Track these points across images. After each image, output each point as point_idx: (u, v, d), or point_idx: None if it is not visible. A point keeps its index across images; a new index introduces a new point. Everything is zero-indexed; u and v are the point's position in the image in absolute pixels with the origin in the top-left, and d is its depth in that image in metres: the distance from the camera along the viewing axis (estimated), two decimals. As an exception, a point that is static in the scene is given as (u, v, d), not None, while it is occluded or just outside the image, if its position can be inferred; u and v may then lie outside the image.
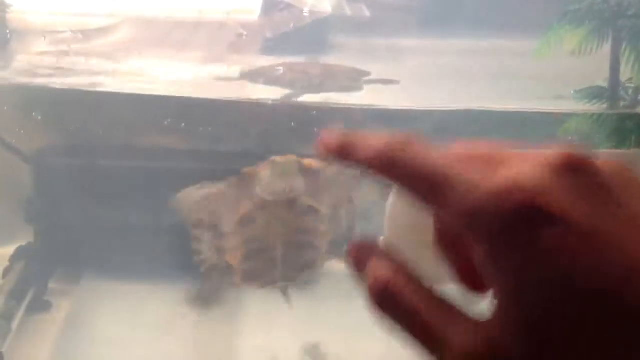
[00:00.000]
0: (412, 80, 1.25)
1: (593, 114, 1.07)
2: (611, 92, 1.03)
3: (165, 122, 1.26)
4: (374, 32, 1.40)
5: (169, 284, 1.35)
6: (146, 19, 1.13)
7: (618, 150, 0.99)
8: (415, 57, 1.33)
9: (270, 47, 1.28)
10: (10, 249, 1.35)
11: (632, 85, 1.03)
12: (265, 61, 1.24)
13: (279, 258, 1.14)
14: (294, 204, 1.09)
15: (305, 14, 1.36)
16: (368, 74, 1.27)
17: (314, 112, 1.30)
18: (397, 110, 1.20)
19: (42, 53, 1.13)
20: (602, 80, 1.05)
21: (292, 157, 1.07)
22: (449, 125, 1.14)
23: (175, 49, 1.21)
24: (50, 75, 1.10)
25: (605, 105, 1.03)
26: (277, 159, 1.07)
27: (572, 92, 1.06)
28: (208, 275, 1.17)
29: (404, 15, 1.40)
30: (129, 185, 1.30)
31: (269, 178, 1.07)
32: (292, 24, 1.35)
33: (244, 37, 1.19)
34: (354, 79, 1.27)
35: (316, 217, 1.11)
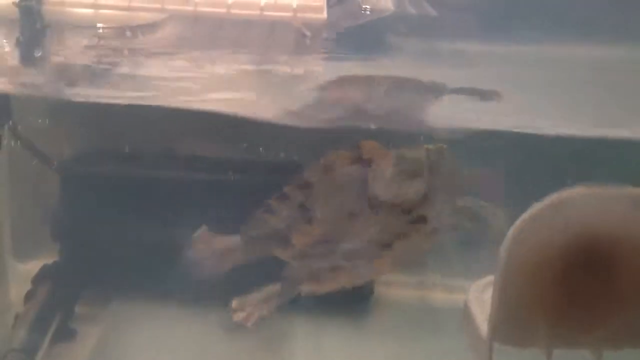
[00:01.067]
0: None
1: None
2: None
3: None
4: (439, 34, 1.26)
5: (205, 308, 1.21)
6: (197, 14, 0.98)
7: None
8: (493, 65, 1.19)
9: (329, 47, 1.14)
10: (33, 265, 1.20)
11: None
12: (325, 67, 1.10)
13: None
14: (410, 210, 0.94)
15: (366, 12, 1.22)
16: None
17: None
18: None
19: (83, 50, 0.98)
20: None
21: (423, 148, 0.92)
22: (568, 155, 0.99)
23: (228, 48, 1.06)
24: (89, 80, 0.96)
25: None
26: (405, 152, 0.91)
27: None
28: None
29: (472, 16, 1.26)
30: (167, 200, 1.15)
31: (393, 175, 0.92)
32: (351, 22, 1.21)
33: (308, 38, 1.05)
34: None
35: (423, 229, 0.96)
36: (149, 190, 1.14)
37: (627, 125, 0.96)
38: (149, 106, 0.97)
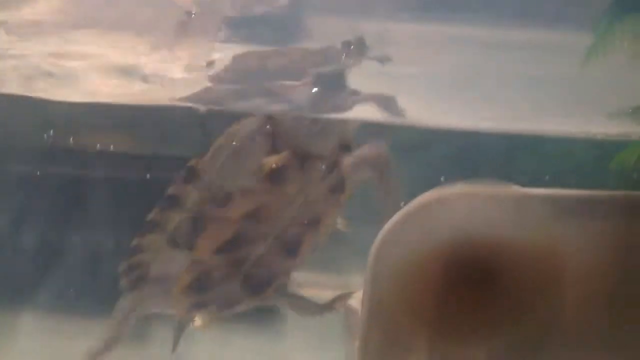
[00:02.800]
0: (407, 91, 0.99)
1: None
2: None
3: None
4: (363, 14, 1.15)
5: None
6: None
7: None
8: (414, 48, 1.08)
9: (231, 30, 1.03)
10: None
11: None
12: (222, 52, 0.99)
13: None
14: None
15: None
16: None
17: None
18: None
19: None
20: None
21: None
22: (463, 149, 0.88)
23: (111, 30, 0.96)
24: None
25: None
26: None
27: (629, 109, 0.76)
28: None
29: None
30: (67, 197, 1.06)
31: None
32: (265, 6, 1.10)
33: (193, 16, 0.94)
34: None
35: None
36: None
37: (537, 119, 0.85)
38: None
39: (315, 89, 0.90)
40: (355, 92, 0.95)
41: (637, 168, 0.79)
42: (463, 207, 0.68)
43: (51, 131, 1.02)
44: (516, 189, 0.69)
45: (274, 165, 0.90)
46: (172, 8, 0.95)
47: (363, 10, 1.14)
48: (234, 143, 0.91)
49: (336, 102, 0.93)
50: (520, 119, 0.87)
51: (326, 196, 0.94)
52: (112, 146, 1.06)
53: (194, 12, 0.94)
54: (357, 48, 1.01)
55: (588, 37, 0.84)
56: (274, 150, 0.91)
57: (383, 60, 1.00)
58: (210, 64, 0.94)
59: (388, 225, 0.70)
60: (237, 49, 0.98)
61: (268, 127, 0.92)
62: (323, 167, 0.92)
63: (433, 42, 1.07)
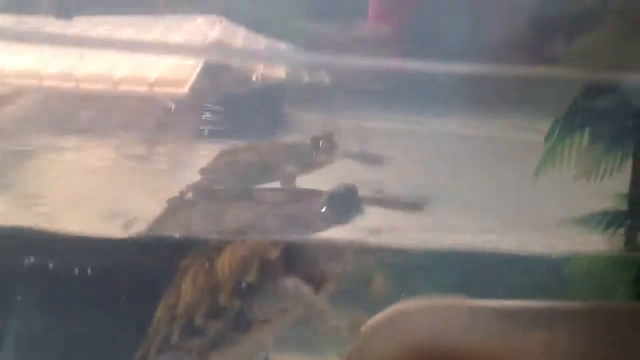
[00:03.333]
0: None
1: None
2: (632, 219, 0.76)
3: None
4: (338, 105, 1.20)
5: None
6: (43, 89, 0.91)
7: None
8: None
9: (209, 124, 1.06)
10: None
11: None
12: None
13: None
14: None
15: (254, 79, 1.16)
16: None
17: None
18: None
19: None
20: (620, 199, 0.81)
21: None
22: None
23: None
24: None
25: (624, 238, 0.76)
26: None
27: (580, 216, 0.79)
28: None
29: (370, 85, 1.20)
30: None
31: None
32: (237, 89, 1.14)
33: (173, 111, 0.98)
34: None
35: None
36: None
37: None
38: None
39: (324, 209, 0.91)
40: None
41: (590, 277, 0.82)
42: (423, 318, 0.72)
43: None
44: (470, 301, 0.73)
45: None
46: (152, 104, 0.98)
47: (344, 105, 1.18)
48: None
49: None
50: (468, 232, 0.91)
51: None
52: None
53: (173, 107, 0.98)
54: (326, 144, 1.03)
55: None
56: None
57: (377, 160, 1.02)
58: (184, 192, 0.96)
59: (355, 341, 0.74)
60: (219, 144, 1.01)
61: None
62: None
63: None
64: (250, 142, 1.08)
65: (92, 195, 0.92)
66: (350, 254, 0.97)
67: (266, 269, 0.92)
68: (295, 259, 0.93)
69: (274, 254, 0.92)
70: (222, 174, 1.02)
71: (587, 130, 0.78)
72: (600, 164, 0.76)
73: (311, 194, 1.00)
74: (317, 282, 0.92)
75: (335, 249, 0.94)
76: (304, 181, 1.07)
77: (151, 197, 0.95)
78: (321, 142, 1.04)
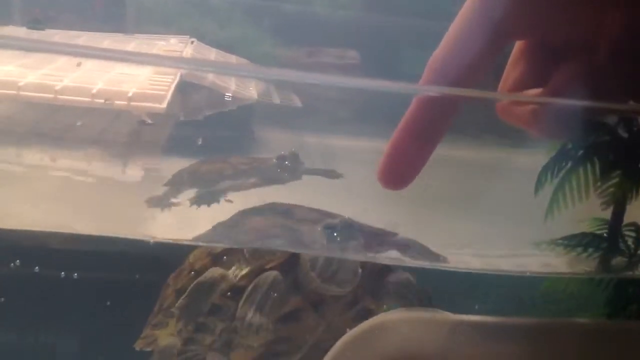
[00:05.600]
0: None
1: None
2: (611, 241, 0.80)
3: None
4: (307, 126, 1.21)
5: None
6: (20, 98, 0.90)
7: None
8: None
9: (179, 140, 1.07)
10: None
11: (633, 235, 0.80)
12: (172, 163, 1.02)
13: None
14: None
15: (227, 99, 1.17)
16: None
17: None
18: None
19: None
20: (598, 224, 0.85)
21: None
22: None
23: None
24: None
25: (598, 260, 0.80)
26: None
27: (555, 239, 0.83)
28: None
29: (339, 108, 1.22)
30: None
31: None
32: (210, 109, 1.15)
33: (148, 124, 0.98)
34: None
35: None
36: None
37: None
38: None
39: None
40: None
41: (564, 297, 0.85)
42: (403, 331, 0.74)
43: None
44: (451, 315, 0.75)
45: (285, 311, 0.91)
46: (126, 118, 0.98)
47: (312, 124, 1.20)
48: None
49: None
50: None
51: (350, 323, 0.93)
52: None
53: (148, 121, 0.98)
54: (292, 163, 1.05)
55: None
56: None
57: (333, 176, 1.04)
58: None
59: (334, 348, 0.74)
60: (187, 159, 1.02)
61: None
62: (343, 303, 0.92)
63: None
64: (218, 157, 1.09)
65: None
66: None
67: None
68: None
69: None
70: (184, 186, 1.03)
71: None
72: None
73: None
74: None
75: None
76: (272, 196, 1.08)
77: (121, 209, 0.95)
78: (287, 161, 1.05)
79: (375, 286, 0.91)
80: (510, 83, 0.53)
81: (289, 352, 0.92)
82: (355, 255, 0.88)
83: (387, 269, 0.93)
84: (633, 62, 0.43)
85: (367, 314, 0.92)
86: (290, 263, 0.92)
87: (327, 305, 0.91)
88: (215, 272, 0.93)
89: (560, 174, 0.81)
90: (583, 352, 0.77)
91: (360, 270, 0.90)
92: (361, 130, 1.19)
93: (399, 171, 0.52)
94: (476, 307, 0.76)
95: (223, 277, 0.92)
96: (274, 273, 0.90)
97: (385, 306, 0.88)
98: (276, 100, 1.22)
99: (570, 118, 0.48)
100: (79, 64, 0.88)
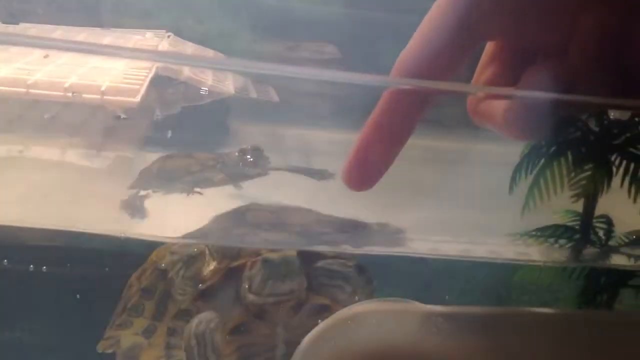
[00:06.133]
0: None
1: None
2: (583, 233, 0.81)
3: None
4: (283, 120, 1.21)
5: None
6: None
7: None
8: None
9: (156, 135, 1.07)
10: None
11: (604, 227, 0.81)
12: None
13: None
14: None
15: (202, 93, 1.16)
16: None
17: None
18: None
19: None
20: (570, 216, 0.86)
21: (290, 253, 0.88)
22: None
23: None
24: None
25: (569, 250, 0.81)
26: (271, 255, 0.88)
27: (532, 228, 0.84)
28: None
29: (317, 103, 1.22)
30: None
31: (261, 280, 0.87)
32: (185, 103, 1.15)
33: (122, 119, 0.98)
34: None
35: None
36: None
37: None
38: None
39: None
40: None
41: (536, 285, 0.86)
42: (373, 323, 0.73)
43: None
44: (422, 306, 0.75)
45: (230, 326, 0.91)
46: (101, 112, 0.98)
47: (289, 117, 1.20)
48: None
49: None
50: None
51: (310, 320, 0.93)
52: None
53: (122, 116, 0.97)
54: (254, 157, 1.04)
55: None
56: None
57: (323, 176, 1.03)
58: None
59: (303, 343, 0.74)
60: (163, 153, 1.02)
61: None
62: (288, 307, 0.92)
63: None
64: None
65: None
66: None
67: None
68: None
69: None
70: (152, 181, 1.02)
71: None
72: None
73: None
74: None
75: None
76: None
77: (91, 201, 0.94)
78: (248, 155, 1.05)
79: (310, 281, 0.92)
80: (480, 85, 0.53)
81: (262, 352, 0.92)
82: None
83: (315, 257, 0.95)
84: (605, 64, 0.43)
85: (323, 310, 0.92)
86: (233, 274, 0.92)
87: (271, 313, 0.92)
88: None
89: (535, 170, 0.82)
90: (554, 341, 0.78)
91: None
92: (340, 124, 1.19)
93: (366, 171, 0.51)
94: (446, 297, 0.76)
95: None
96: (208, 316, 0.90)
97: (357, 297, 0.89)
98: (253, 94, 1.21)
99: (542, 117, 0.48)
100: (46, 56, 0.88)
